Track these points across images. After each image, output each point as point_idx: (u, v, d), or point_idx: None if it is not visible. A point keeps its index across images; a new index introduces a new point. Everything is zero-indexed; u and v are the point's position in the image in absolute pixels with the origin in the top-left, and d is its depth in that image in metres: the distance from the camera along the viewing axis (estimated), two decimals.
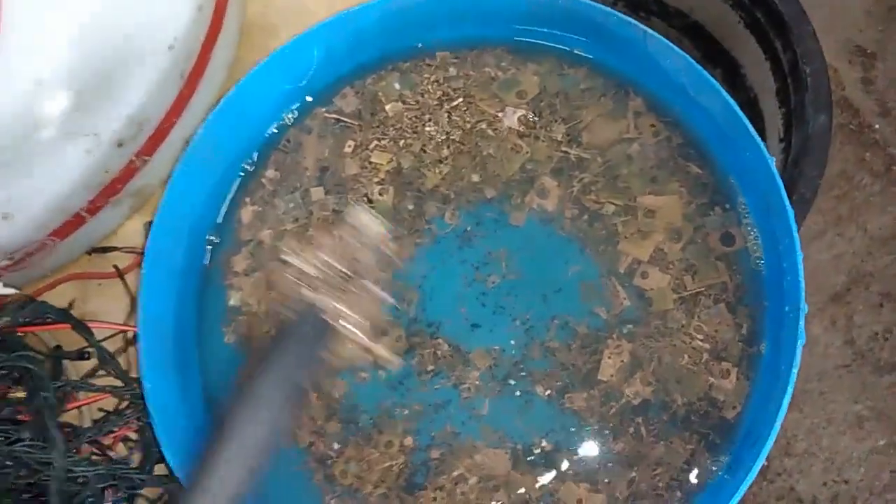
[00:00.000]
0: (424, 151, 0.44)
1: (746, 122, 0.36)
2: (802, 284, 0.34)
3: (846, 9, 1.12)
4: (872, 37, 1.11)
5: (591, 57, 0.44)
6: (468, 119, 0.44)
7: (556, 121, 0.44)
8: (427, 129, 0.44)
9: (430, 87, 0.45)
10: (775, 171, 0.36)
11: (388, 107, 0.45)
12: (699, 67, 0.37)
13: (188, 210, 0.43)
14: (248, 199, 0.45)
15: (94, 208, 0.43)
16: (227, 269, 0.44)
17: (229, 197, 0.45)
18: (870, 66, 1.11)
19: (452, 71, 0.45)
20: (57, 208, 0.41)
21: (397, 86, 0.45)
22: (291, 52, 0.42)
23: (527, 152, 0.43)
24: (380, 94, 0.45)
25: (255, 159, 0.45)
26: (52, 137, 0.38)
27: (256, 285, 0.43)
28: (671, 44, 0.38)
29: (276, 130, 0.45)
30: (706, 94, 0.38)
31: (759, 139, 0.36)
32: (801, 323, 0.34)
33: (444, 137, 0.44)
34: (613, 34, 0.41)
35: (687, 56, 0.37)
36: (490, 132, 0.44)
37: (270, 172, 0.45)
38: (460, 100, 0.45)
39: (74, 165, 0.40)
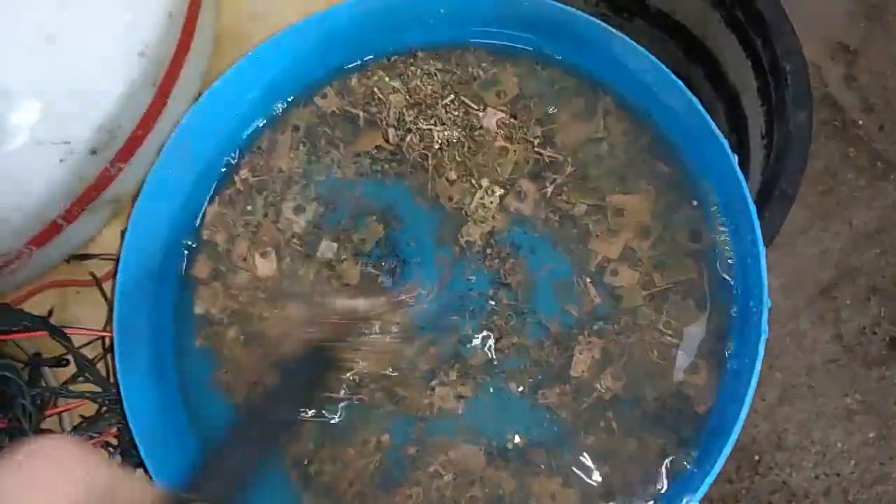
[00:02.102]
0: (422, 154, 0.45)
1: (709, 119, 0.36)
2: (765, 280, 0.35)
3: (828, 7, 1.13)
4: (855, 34, 1.12)
5: (562, 59, 0.45)
6: (458, 116, 0.45)
7: (532, 122, 0.44)
8: (422, 125, 0.45)
9: (419, 82, 0.45)
10: (737, 168, 0.36)
11: (391, 98, 0.45)
12: (663, 66, 0.38)
13: (163, 216, 0.43)
14: (217, 199, 0.45)
15: (70, 216, 0.44)
16: (192, 274, 0.45)
17: (206, 201, 0.45)
18: (852, 62, 1.11)
19: (437, 66, 0.46)
20: (34, 216, 0.42)
21: (388, 80, 0.46)
22: (261, 57, 0.42)
23: (514, 151, 0.44)
24: (375, 89, 0.46)
25: (231, 163, 0.45)
26: (25, 146, 0.39)
27: (213, 293, 0.44)
28: (635, 44, 0.38)
29: (250, 134, 0.46)
30: (671, 92, 0.39)
31: (721, 136, 0.36)
32: (765, 318, 0.34)
33: (442, 135, 0.45)
34: (580, 35, 0.42)
35: (650, 55, 0.38)
36: (476, 134, 0.45)
37: (244, 173, 0.45)
38: (451, 97, 0.45)
39: (48, 173, 0.40)
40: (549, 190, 0.43)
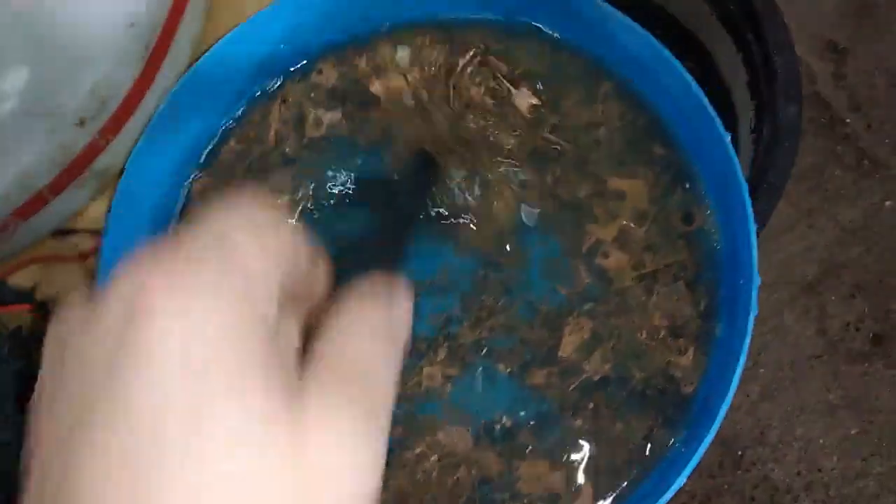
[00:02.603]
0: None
1: (703, 97, 0.36)
2: (755, 256, 0.35)
3: (818, 5, 1.14)
4: (844, 32, 1.13)
5: (565, 40, 0.44)
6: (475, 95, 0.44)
7: (545, 104, 0.44)
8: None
9: (428, 53, 0.45)
10: (729, 144, 0.36)
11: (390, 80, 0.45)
12: (657, 43, 0.38)
13: (150, 190, 0.43)
14: (204, 172, 0.45)
15: (56, 188, 0.43)
16: None
17: (194, 174, 0.45)
18: (841, 61, 1.12)
19: (440, 38, 0.45)
20: (19, 186, 0.41)
21: (397, 52, 0.45)
22: (255, 28, 0.42)
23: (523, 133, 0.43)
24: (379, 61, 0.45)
25: (220, 137, 0.45)
26: (12, 113, 0.38)
27: None
28: (630, 20, 0.38)
29: (242, 106, 0.45)
30: (665, 71, 0.39)
31: (715, 115, 0.36)
32: (755, 295, 0.34)
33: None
34: (578, 13, 0.41)
35: (646, 32, 0.38)
36: (498, 113, 0.44)
37: (233, 144, 0.45)
38: (471, 68, 0.44)
39: (35, 143, 0.40)
40: (549, 179, 0.42)
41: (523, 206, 0.43)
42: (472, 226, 0.43)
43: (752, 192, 0.59)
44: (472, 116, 0.43)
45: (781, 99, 0.65)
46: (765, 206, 0.60)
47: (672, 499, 0.35)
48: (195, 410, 0.16)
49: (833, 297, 1.07)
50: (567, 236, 0.42)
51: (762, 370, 1.04)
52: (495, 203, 0.43)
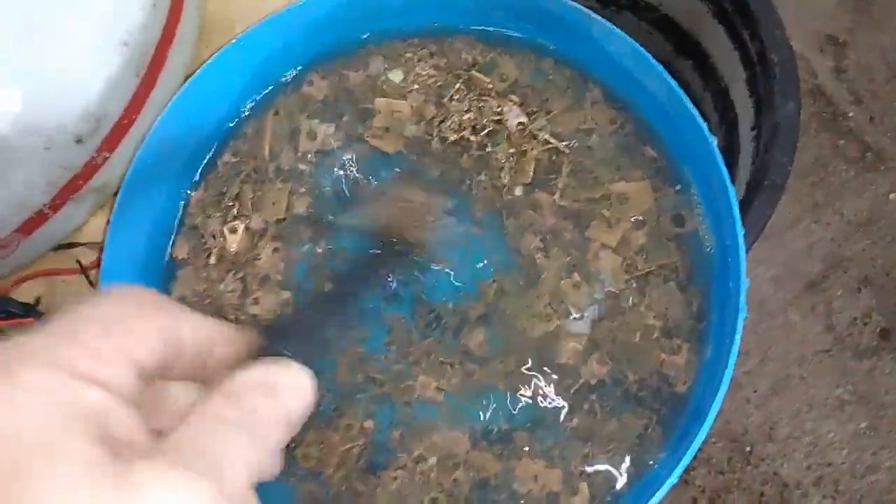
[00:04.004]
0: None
1: (687, 101, 0.37)
2: (744, 260, 0.35)
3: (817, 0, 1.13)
4: (843, 26, 1.12)
5: (553, 48, 0.45)
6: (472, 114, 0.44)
7: (537, 114, 0.44)
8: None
9: (417, 67, 0.45)
10: (716, 149, 0.36)
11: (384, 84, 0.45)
12: (641, 49, 0.38)
13: (148, 204, 0.43)
14: (202, 185, 0.45)
15: (56, 205, 0.44)
16: (174, 257, 0.45)
17: (190, 187, 0.46)
18: (841, 55, 1.12)
19: (431, 50, 0.46)
20: (19, 205, 0.42)
21: (389, 74, 0.46)
22: (245, 45, 0.43)
23: (531, 149, 0.43)
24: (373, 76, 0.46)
25: (215, 150, 0.46)
26: (9, 134, 0.39)
27: (186, 277, 0.44)
28: (613, 26, 0.39)
29: (235, 120, 0.46)
30: (650, 77, 0.39)
31: (700, 120, 0.37)
32: (743, 297, 0.35)
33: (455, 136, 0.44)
34: (562, 19, 0.42)
35: (628, 38, 0.38)
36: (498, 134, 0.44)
37: (227, 157, 0.45)
38: (458, 84, 0.45)
39: (34, 162, 0.41)
40: (559, 192, 0.43)
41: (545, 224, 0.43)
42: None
43: (754, 190, 0.59)
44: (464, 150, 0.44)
45: (779, 96, 0.65)
46: (766, 203, 0.60)
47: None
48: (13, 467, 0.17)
49: (839, 292, 1.07)
50: (570, 243, 0.42)
51: (770, 366, 1.03)
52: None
